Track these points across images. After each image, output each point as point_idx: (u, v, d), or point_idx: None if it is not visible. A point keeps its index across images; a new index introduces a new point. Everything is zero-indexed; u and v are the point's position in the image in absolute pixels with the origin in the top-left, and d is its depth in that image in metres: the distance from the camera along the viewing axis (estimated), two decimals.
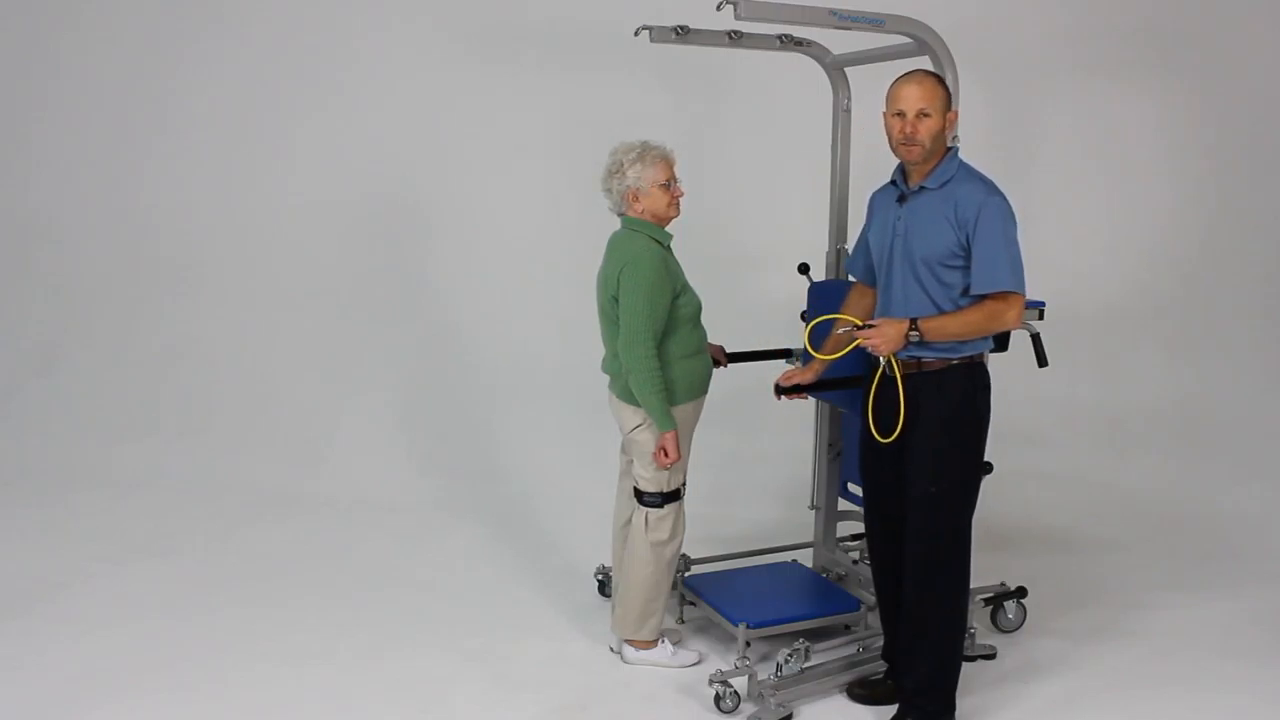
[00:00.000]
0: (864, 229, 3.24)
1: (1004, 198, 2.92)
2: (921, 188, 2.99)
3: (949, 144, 3.03)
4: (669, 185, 3.34)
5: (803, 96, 4.58)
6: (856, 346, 2.99)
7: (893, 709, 3.17)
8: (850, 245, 3.91)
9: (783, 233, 5.13)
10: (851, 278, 3.39)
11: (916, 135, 2.92)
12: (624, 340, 3.27)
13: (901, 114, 2.93)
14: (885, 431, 3.03)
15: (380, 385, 5.72)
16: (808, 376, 3.31)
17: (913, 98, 2.93)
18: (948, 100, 2.98)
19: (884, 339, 2.90)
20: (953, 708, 3.13)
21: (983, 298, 2.90)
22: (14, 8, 5.86)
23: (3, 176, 5.99)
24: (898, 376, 2.98)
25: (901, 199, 3.04)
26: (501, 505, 5.10)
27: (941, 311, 2.94)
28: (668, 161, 3.35)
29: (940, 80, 3.00)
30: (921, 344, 2.91)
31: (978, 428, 3.04)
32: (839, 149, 3.91)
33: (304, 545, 4.61)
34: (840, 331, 3.03)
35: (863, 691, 3.33)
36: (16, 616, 3.84)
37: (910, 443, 3.02)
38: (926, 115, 2.91)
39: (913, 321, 2.89)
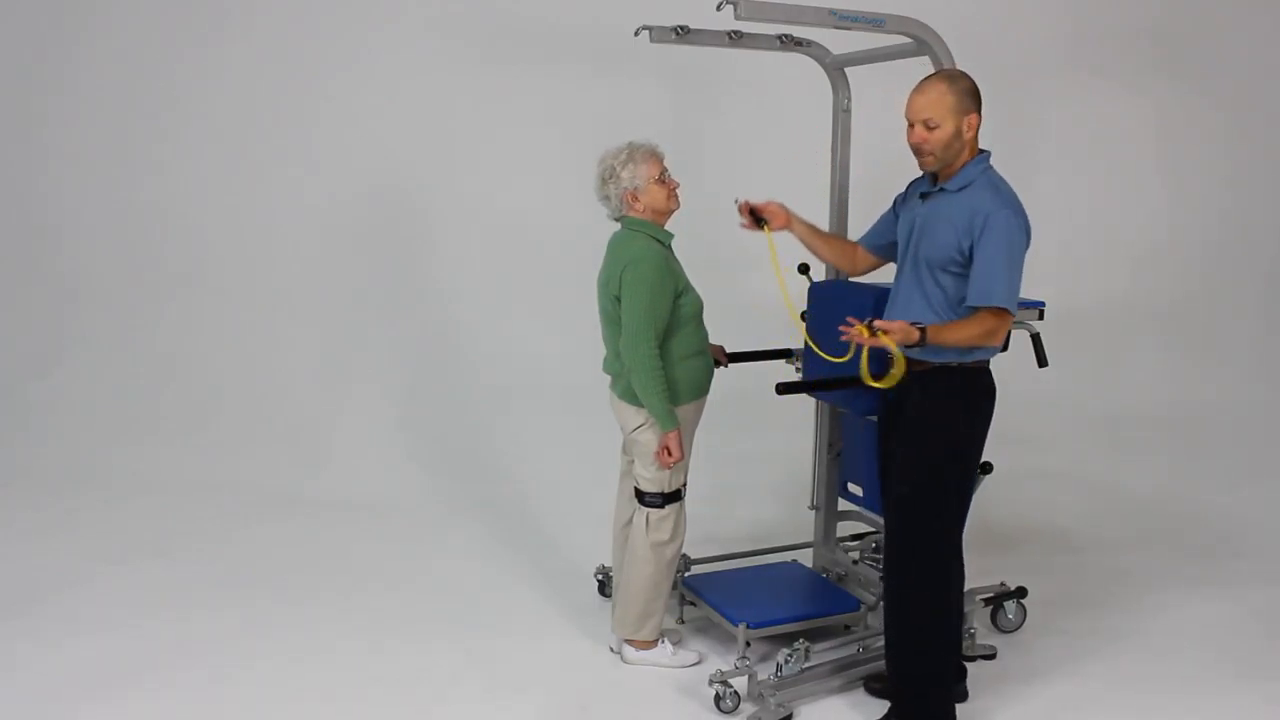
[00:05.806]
0: (895, 201, 3.22)
1: (1016, 213, 2.82)
2: (941, 189, 2.94)
3: (979, 148, 2.95)
4: (663, 178, 3.34)
5: (803, 96, 4.58)
6: (870, 327, 2.78)
7: None
8: None
9: (783, 233, 5.12)
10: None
11: (924, 145, 2.86)
12: (626, 340, 3.26)
13: (912, 124, 2.88)
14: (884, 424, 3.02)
15: (380, 385, 5.72)
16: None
17: (915, 107, 2.86)
18: (964, 104, 2.84)
19: (892, 325, 2.75)
20: (952, 709, 3.11)
21: (975, 310, 2.83)
22: (19, 10, 5.85)
23: (6, 177, 5.99)
24: (897, 355, 2.79)
25: (924, 196, 3.01)
26: (501, 505, 5.10)
27: (938, 316, 2.90)
28: (657, 156, 3.36)
29: (955, 84, 2.86)
30: (917, 346, 2.87)
31: (969, 434, 2.98)
32: (839, 149, 3.90)
33: (304, 545, 4.61)
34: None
35: (879, 685, 3.32)
36: (16, 616, 3.84)
37: (896, 444, 3.02)
38: (932, 126, 2.83)
39: (923, 331, 2.79)
